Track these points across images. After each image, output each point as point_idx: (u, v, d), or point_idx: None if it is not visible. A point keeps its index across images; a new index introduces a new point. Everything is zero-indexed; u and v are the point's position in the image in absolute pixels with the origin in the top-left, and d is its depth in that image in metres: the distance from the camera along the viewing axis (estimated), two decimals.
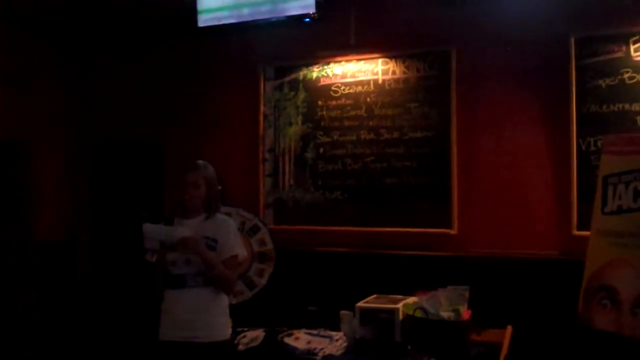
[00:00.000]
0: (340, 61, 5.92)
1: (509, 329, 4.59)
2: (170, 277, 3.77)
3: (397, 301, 4.51)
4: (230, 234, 3.86)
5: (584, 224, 4.80)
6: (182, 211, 3.89)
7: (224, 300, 3.87)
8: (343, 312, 4.63)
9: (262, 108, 6.21)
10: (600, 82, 5.01)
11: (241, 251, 3.92)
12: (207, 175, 3.88)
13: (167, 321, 3.80)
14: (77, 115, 6.84)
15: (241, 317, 4.93)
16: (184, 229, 3.76)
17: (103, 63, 6.92)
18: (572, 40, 5.08)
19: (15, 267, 6.18)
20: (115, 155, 6.90)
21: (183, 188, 3.84)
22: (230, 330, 3.94)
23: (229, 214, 4.46)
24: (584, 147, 5.05)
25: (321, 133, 5.99)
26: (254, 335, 4.86)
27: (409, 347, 4.31)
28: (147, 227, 3.72)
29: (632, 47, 4.92)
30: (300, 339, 4.68)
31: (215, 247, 3.79)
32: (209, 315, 3.75)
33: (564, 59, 5.10)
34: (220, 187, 4.10)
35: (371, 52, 5.80)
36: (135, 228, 4.63)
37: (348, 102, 5.89)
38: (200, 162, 3.97)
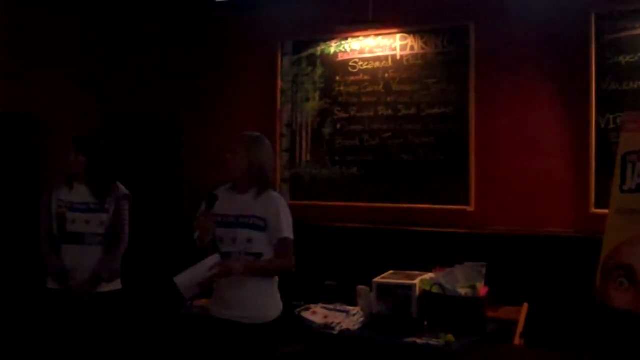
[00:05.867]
0: (358, 36, 5.89)
1: (525, 306, 4.59)
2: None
3: (413, 277, 4.50)
4: (280, 215, 3.62)
5: (602, 202, 4.79)
6: (229, 182, 3.73)
7: (272, 280, 3.76)
8: (360, 287, 4.64)
9: (279, 83, 6.21)
10: (621, 58, 4.96)
11: (290, 234, 3.66)
12: (249, 145, 3.66)
13: (215, 298, 3.72)
14: (96, 91, 6.84)
15: None
16: (213, 259, 3.55)
17: (121, 39, 6.95)
18: (593, 16, 5.02)
19: None
20: (131, 130, 6.88)
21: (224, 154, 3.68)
22: (277, 312, 3.76)
23: None
24: (603, 125, 5.01)
25: (338, 109, 5.98)
26: None
27: (426, 323, 4.33)
28: (179, 280, 3.57)
29: None
30: (317, 313, 4.70)
31: (264, 228, 3.62)
32: (257, 296, 3.64)
33: (584, 35, 5.05)
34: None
35: (389, 27, 5.77)
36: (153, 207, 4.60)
37: (366, 77, 5.88)
38: (251, 133, 3.77)
